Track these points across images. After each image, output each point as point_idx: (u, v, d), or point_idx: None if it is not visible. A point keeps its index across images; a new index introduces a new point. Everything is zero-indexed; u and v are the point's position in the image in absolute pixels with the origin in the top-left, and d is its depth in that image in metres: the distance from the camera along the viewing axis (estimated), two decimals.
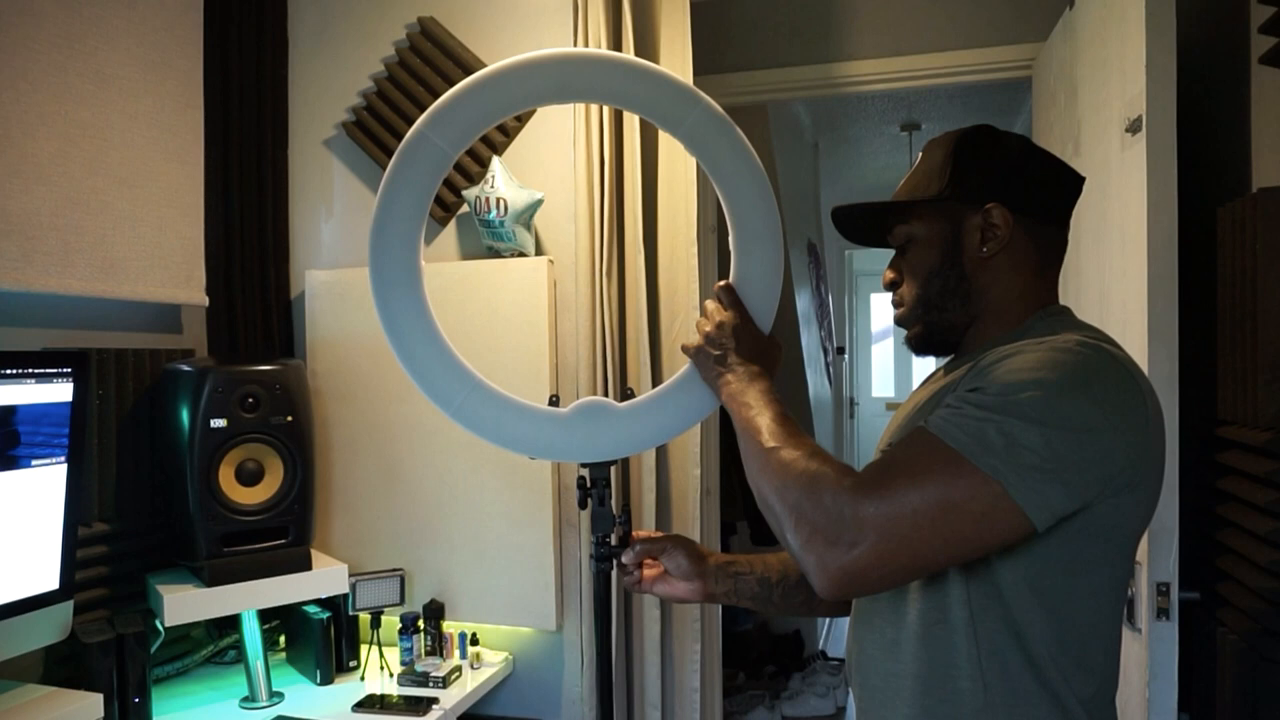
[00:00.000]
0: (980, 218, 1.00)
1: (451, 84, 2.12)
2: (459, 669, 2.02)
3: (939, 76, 2.51)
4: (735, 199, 1.19)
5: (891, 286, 1.09)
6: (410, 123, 2.13)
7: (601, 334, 2.06)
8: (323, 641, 1.98)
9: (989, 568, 0.90)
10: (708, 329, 1.14)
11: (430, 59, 2.17)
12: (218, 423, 1.77)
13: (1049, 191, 1.02)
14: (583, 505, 1.23)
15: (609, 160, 2.06)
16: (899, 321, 1.09)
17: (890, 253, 1.11)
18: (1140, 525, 0.93)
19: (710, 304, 1.17)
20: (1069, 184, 1.03)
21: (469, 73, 2.12)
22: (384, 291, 1.18)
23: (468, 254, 2.20)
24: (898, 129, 4.54)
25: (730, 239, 1.20)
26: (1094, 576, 0.90)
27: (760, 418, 1.01)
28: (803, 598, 1.23)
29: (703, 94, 1.19)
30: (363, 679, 2.02)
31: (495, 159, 2.07)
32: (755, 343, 1.13)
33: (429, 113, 1.16)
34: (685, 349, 1.18)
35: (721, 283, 1.18)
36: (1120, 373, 0.88)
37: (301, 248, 2.34)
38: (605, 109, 2.06)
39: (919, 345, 1.08)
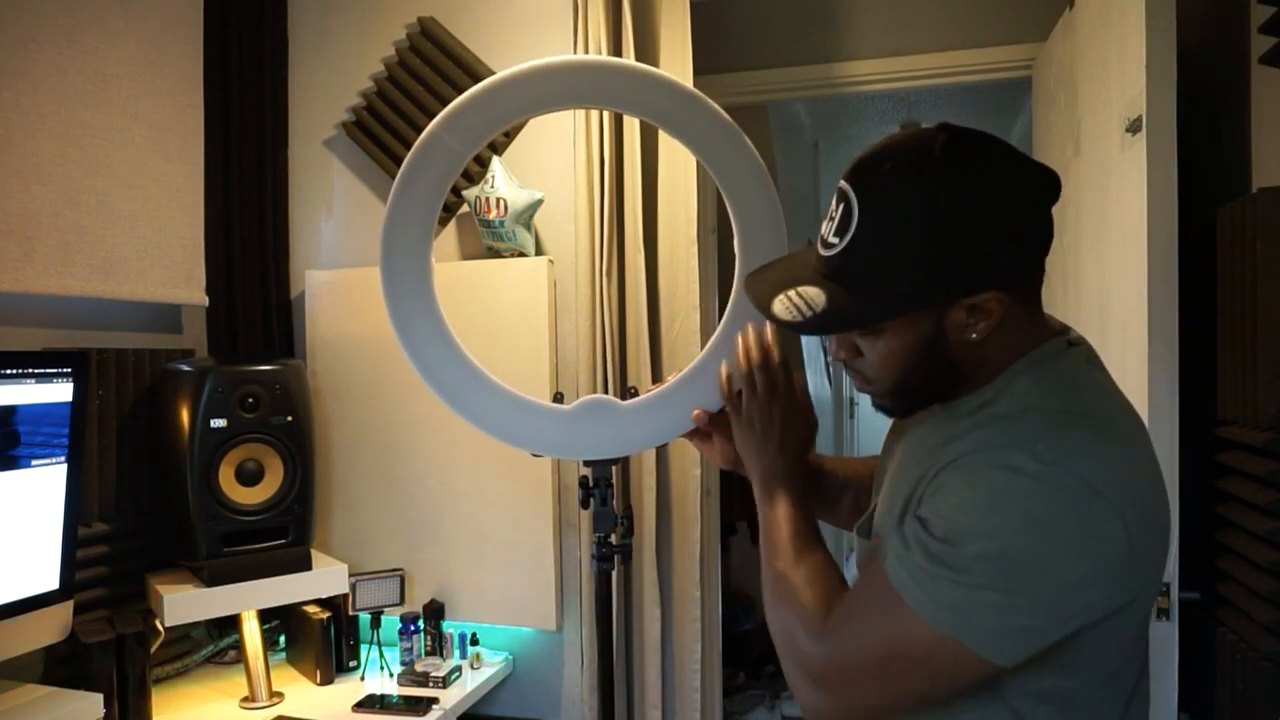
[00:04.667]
0: (967, 303, 0.82)
1: (451, 84, 2.14)
2: (459, 669, 2.02)
3: (939, 76, 2.51)
4: (740, 202, 1.19)
5: (845, 360, 0.93)
6: (410, 122, 2.16)
7: (601, 334, 2.06)
8: (323, 641, 1.98)
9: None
10: (755, 403, 1.05)
11: (430, 59, 2.17)
12: (218, 423, 1.77)
13: (1040, 240, 0.85)
14: (585, 505, 1.23)
15: (609, 160, 2.06)
16: (865, 392, 0.94)
17: None
18: (1139, 626, 0.86)
19: (764, 377, 1.06)
20: (1052, 199, 0.86)
21: (469, 72, 2.13)
22: (394, 289, 1.19)
23: (468, 254, 2.20)
24: (898, 129, 4.52)
25: (735, 241, 1.20)
26: (1095, 670, 0.84)
27: (778, 529, 0.97)
28: (825, 502, 1.20)
29: (707, 99, 1.20)
30: (363, 679, 2.02)
31: (495, 159, 2.07)
32: (798, 427, 1.05)
33: (444, 114, 1.17)
34: (728, 400, 1.09)
35: (776, 356, 1.07)
36: (1083, 498, 0.76)
37: (301, 248, 2.33)
38: (609, 111, 2.06)
39: (891, 414, 0.99)
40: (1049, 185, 0.85)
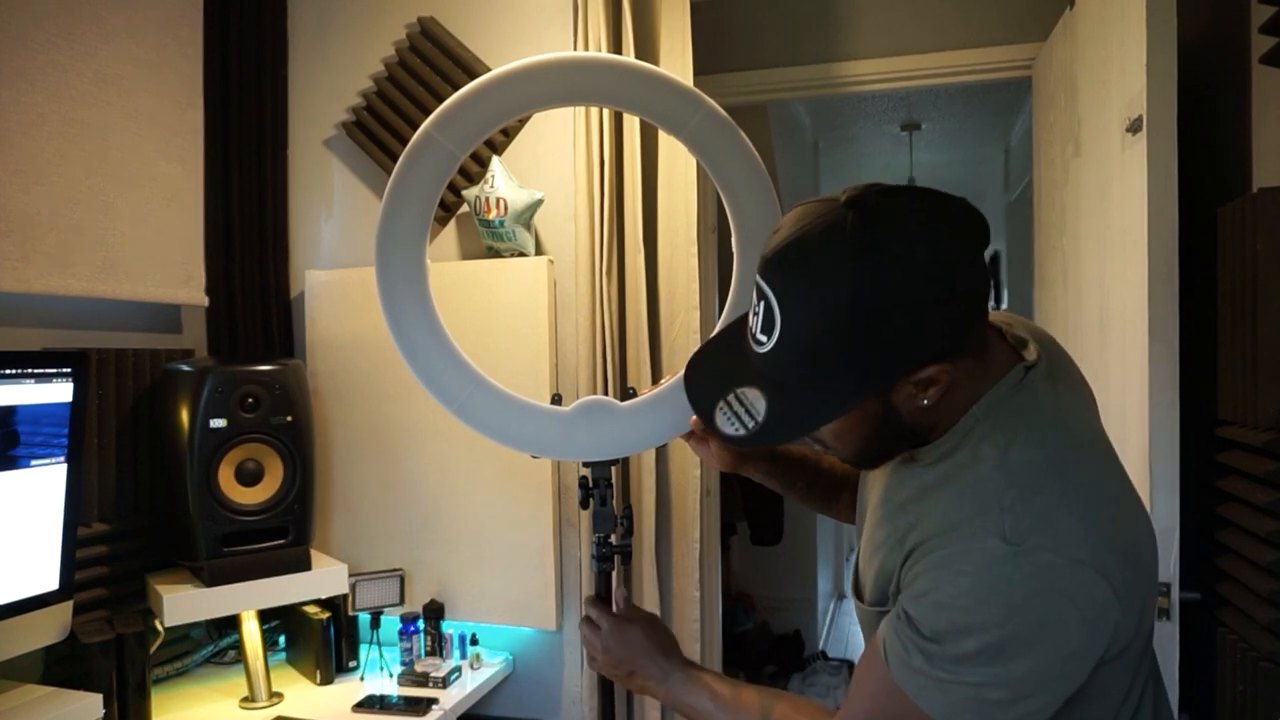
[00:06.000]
0: (912, 380, 0.80)
1: (451, 84, 2.14)
2: (459, 669, 2.02)
3: (939, 76, 2.51)
4: (738, 201, 1.19)
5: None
6: (410, 123, 2.16)
7: (601, 334, 2.06)
8: (323, 641, 1.98)
9: None
10: (598, 657, 1.13)
11: (430, 59, 2.17)
12: (217, 423, 1.77)
13: (977, 293, 0.80)
14: (584, 505, 1.23)
15: (609, 160, 2.06)
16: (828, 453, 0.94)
17: None
18: (1143, 648, 0.86)
19: (586, 630, 1.16)
20: (983, 243, 0.80)
21: (469, 72, 2.13)
22: (390, 290, 1.19)
23: (468, 254, 2.20)
24: (898, 129, 4.54)
25: (733, 241, 1.21)
26: (1109, 697, 0.84)
27: (719, 710, 1.00)
28: (825, 500, 1.23)
29: (706, 97, 1.19)
30: (363, 679, 2.02)
31: (495, 159, 2.07)
32: (638, 638, 1.11)
33: (436, 114, 1.17)
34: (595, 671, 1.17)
35: (588, 597, 1.20)
36: (1062, 572, 0.75)
37: (301, 248, 2.33)
38: (605, 109, 2.06)
39: (858, 469, 1.00)
40: (976, 231, 0.80)
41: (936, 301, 0.76)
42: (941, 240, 0.77)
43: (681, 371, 1.20)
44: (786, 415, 0.83)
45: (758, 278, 0.81)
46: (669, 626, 2.08)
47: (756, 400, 0.84)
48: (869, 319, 0.75)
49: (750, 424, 0.84)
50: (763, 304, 0.80)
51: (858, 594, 0.95)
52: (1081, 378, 0.94)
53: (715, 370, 0.91)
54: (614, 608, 1.16)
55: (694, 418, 1.16)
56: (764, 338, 0.81)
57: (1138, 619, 0.81)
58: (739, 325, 0.89)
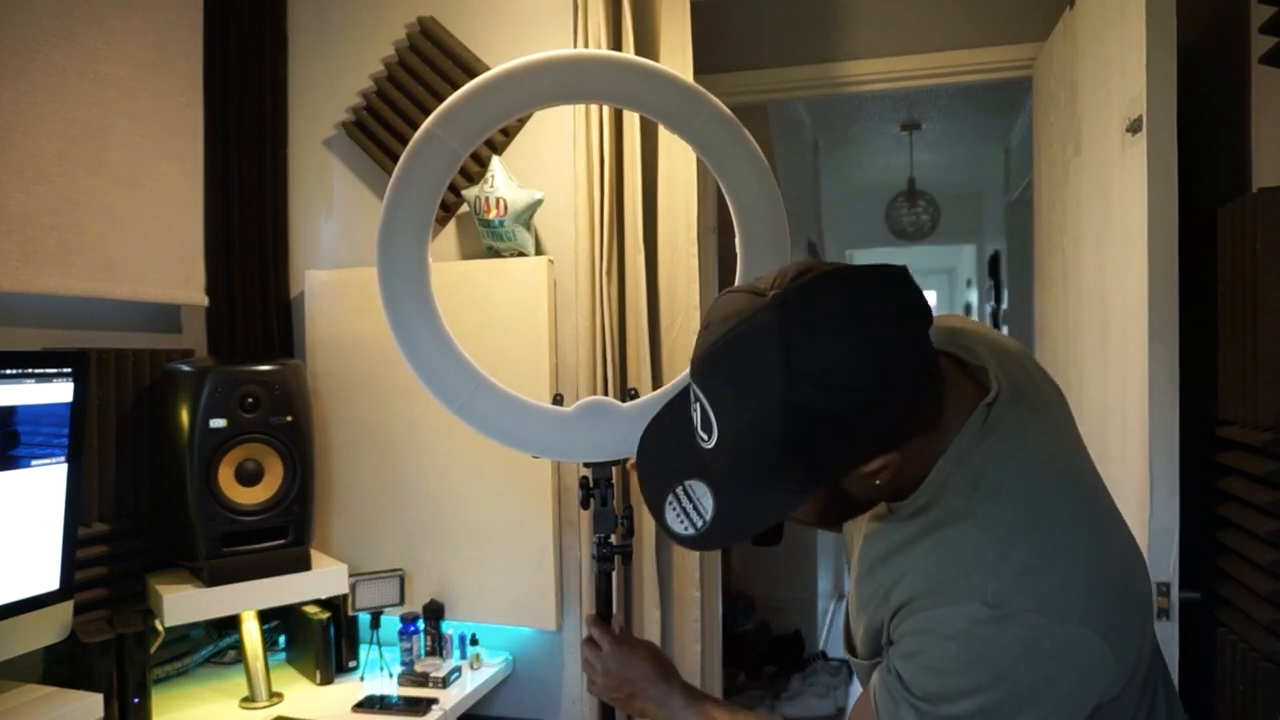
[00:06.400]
0: (859, 473, 0.78)
1: (451, 84, 2.14)
2: (459, 669, 2.02)
3: (939, 76, 2.51)
4: (741, 200, 1.20)
5: None
6: (410, 123, 2.16)
7: (601, 334, 2.06)
8: (322, 641, 1.98)
9: None
10: (598, 680, 1.13)
11: (430, 59, 2.17)
12: (217, 423, 1.77)
13: (919, 378, 0.76)
14: (585, 505, 1.23)
15: (609, 160, 2.06)
16: None
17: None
18: (1145, 675, 0.85)
19: (588, 650, 1.16)
20: (924, 319, 0.76)
21: (469, 72, 2.13)
22: (391, 287, 1.19)
23: (468, 254, 2.20)
24: (898, 129, 4.55)
25: (736, 240, 1.21)
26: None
27: None
28: None
29: (710, 95, 1.19)
30: (362, 679, 2.02)
31: (495, 159, 2.07)
32: (639, 660, 1.11)
33: (439, 111, 1.17)
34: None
35: (589, 615, 1.19)
36: (1047, 632, 0.74)
37: (301, 248, 2.33)
38: (605, 108, 2.06)
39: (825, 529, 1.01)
40: (914, 312, 0.75)
41: (872, 404, 0.73)
42: (874, 336, 0.72)
43: (685, 373, 1.21)
44: (734, 515, 0.82)
45: (691, 380, 0.79)
46: (669, 627, 2.12)
47: (704, 497, 0.83)
48: (803, 428, 0.72)
49: (699, 523, 0.83)
50: (698, 406, 0.78)
51: (850, 649, 0.95)
52: (1046, 387, 0.91)
53: (666, 455, 0.89)
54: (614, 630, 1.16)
55: None
56: (705, 436, 0.79)
57: (1135, 652, 0.80)
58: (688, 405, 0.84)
